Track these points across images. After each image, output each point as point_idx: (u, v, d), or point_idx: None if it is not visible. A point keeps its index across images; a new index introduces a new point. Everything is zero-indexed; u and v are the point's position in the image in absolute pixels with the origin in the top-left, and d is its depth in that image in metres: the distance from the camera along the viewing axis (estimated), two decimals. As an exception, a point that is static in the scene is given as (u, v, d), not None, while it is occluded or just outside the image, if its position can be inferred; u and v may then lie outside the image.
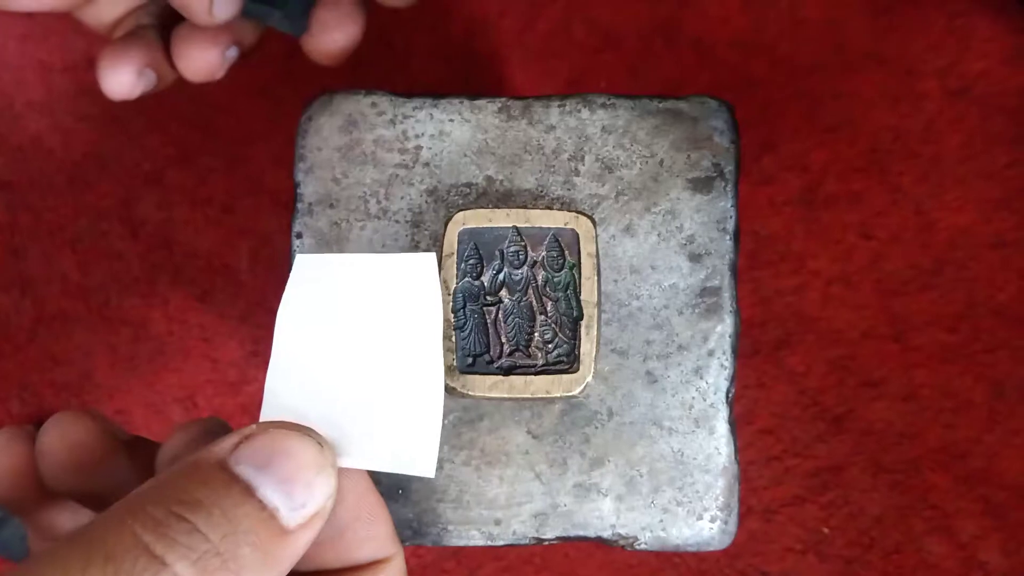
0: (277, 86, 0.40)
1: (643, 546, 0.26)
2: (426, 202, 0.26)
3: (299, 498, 0.18)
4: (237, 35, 0.28)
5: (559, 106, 0.27)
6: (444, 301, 0.22)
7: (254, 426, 0.19)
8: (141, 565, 0.16)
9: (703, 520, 0.26)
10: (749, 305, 0.37)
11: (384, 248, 0.26)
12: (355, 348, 0.21)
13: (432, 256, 0.21)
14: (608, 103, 0.27)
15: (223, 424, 0.22)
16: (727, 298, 0.26)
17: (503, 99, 0.27)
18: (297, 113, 0.27)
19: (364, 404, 0.20)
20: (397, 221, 0.26)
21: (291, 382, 0.20)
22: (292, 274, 0.21)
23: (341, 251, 0.26)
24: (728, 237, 0.26)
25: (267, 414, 0.20)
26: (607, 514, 0.26)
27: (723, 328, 0.26)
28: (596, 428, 0.26)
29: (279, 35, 0.29)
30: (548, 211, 0.25)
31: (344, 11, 0.28)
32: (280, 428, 0.19)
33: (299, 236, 0.27)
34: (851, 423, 0.37)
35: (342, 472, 0.19)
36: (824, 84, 0.38)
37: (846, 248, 0.38)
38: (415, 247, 0.26)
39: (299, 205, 0.27)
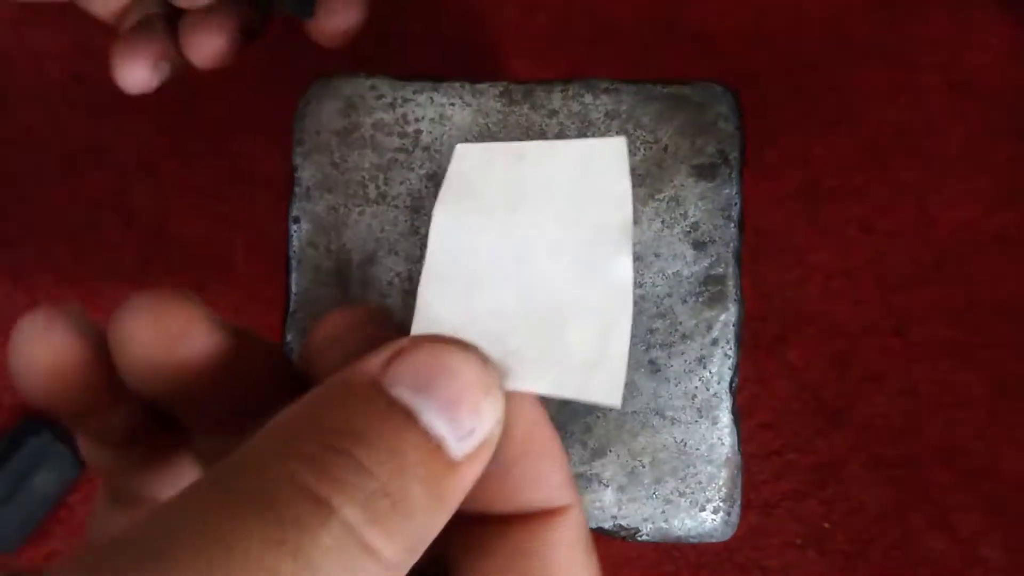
0: (271, 75, 0.39)
1: (645, 537, 0.25)
2: (426, 187, 0.26)
3: (466, 424, 0.15)
4: (244, 20, 0.28)
5: (561, 91, 0.26)
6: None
7: (405, 340, 0.16)
8: (307, 512, 0.13)
9: (706, 511, 0.25)
10: (749, 299, 0.37)
11: (383, 233, 0.26)
12: (527, 252, 0.17)
13: (623, 140, 0.17)
14: (611, 88, 0.26)
15: (387, 312, 0.19)
16: (731, 286, 0.26)
17: (505, 83, 0.26)
18: (292, 102, 0.27)
19: (536, 317, 0.17)
20: (396, 206, 0.26)
21: (448, 290, 0.18)
22: (451, 165, 0.18)
23: (339, 237, 0.26)
24: (733, 224, 0.26)
25: (419, 326, 0.17)
26: (608, 505, 0.25)
27: (727, 317, 0.26)
28: (597, 418, 0.26)
29: (278, 21, 0.29)
30: None
31: None
32: (437, 342, 0.16)
33: (296, 221, 0.26)
34: (851, 418, 0.37)
35: (509, 397, 0.16)
36: (825, 78, 0.38)
37: (847, 242, 0.37)
38: (415, 233, 0.26)
39: (297, 189, 0.26)
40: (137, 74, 0.27)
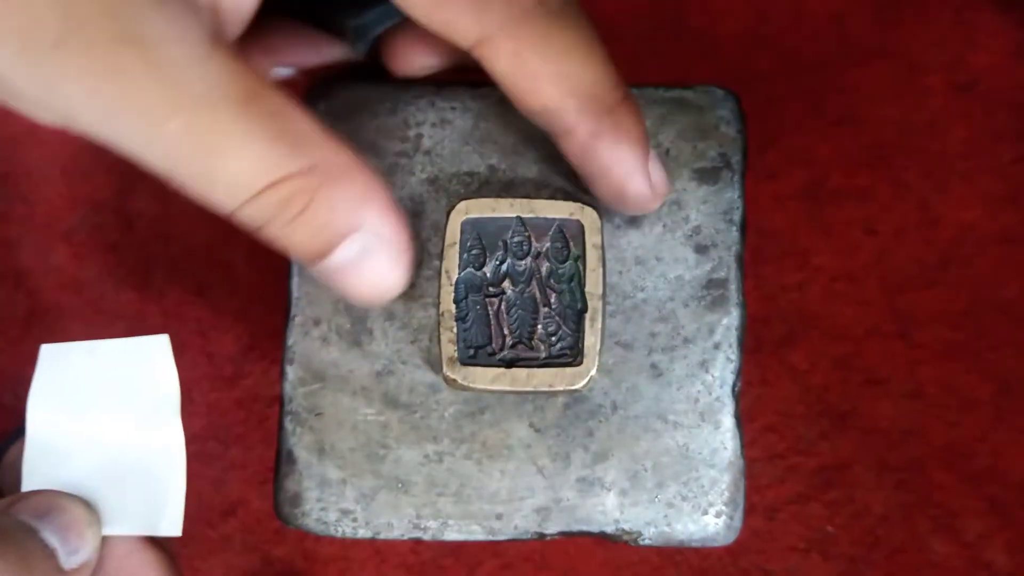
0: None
1: (647, 541, 0.25)
2: (427, 191, 0.26)
3: (73, 544, 0.21)
4: (289, 57, 0.27)
5: (563, 94, 0.26)
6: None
7: (24, 492, 0.22)
8: None
9: (708, 515, 0.25)
10: (752, 301, 0.36)
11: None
12: (103, 425, 0.23)
13: (165, 338, 0.24)
14: (613, 91, 0.26)
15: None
16: (733, 290, 0.26)
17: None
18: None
19: (113, 476, 0.23)
20: (398, 210, 0.26)
21: (48, 459, 0.23)
22: (39, 364, 0.24)
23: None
24: (735, 228, 0.26)
25: (28, 486, 0.23)
26: (611, 509, 0.25)
27: (729, 321, 0.26)
28: (600, 422, 0.26)
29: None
30: (553, 201, 0.25)
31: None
32: (50, 491, 0.22)
33: (298, 225, 0.26)
34: (855, 421, 0.37)
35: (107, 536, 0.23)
36: (829, 78, 0.38)
37: (850, 244, 0.37)
38: (416, 236, 0.26)
39: (298, 194, 0.26)
40: None
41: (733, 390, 0.26)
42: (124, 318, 0.39)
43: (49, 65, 0.19)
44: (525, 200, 0.25)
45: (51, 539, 0.21)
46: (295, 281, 0.26)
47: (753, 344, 0.37)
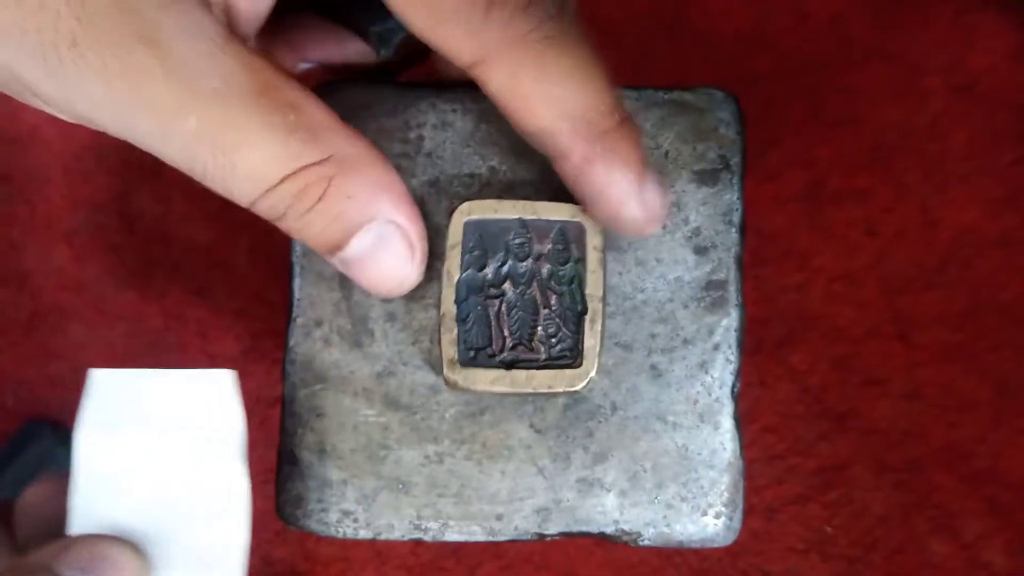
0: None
1: (647, 542, 0.25)
2: (428, 193, 0.26)
3: None
4: (315, 53, 0.28)
5: (563, 96, 0.26)
6: (241, 422, 0.23)
7: (71, 537, 0.20)
8: None
9: (708, 516, 0.25)
10: (752, 302, 0.37)
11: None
12: (159, 463, 0.21)
13: (231, 373, 0.22)
14: (613, 93, 0.26)
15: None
16: (733, 292, 0.26)
17: (507, 89, 0.26)
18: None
19: (169, 519, 0.21)
20: (399, 212, 0.26)
21: (98, 496, 0.21)
22: (89, 390, 0.22)
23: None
24: (734, 230, 0.26)
25: (76, 527, 0.21)
26: (610, 509, 0.25)
27: (728, 322, 0.26)
28: (599, 423, 0.26)
29: None
30: (555, 204, 0.25)
31: None
32: (99, 538, 0.20)
33: (299, 227, 0.26)
34: (854, 422, 0.37)
35: None
36: (829, 80, 0.38)
37: (850, 245, 0.37)
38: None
39: (299, 195, 0.26)
40: None
41: (732, 391, 0.26)
42: (125, 319, 0.39)
43: (66, 65, 0.19)
44: (527, 202, 0.25)
45: None
46: (296, 282, 0.26)
47: (753, 345, 0.37)
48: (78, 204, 0.39)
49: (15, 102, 0.41)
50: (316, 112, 0.21)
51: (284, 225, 0.22)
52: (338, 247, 0.22)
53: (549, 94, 0.21)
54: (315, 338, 0.26)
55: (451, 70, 0.25)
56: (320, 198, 0.21)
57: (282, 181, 0.20)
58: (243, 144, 0.20)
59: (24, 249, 0.39)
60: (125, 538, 0.21)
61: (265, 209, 0.21)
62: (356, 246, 0.22)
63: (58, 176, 0.39)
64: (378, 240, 0.22)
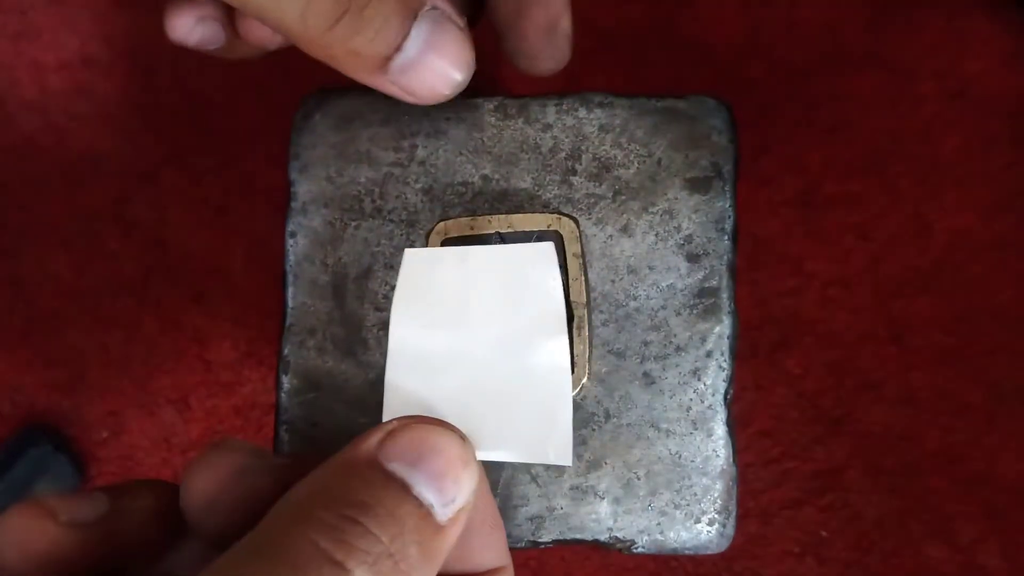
0: (271, 86, 0.39)
1: (640, 549, 0.25)
2: (421, 201, 0.26)
3: (449, 493, 0.18)
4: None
5: (556, 105, 0.26)
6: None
7: (394, 421, 0.19)
8: (327, 573, 0.16)
9: (701, 523, 0.25)
10: (747, 307, 0.37)
11: (379, 248, 0.26)
12: (475, 340, 0.20)
13: (551, 245, 0.21)
14: (605, 102, 0.26)
15: (255, 451, 0.21)
16: (725, 299, 0.26)
17: (499, 98, 0.26)
18: (292, 113, 0.27)
19: (490, 395, 0.20)
20: (392, 220, 0.26)
21: (412, 376, 0.20)
22: (402, 268, 0.21)
23: (335, 251, 0.26)
24: (726, 237, 0.26)
25: (390, 409, 0.20)
26: (604, 517, 0.25)
27: (721, 329, 0.26)
28: (593, 430, 0.26)
29: None
30: (530, 214, 0.25)
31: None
32: (422, 423, 0.19)
33: (293, 236, 0.26)
34: (849, 426, 0.37)
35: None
36: (822, 86, 0.38)
37: (844, 250, 0.37)
38: (411, 246, 0.26)
39: (293, 204, 0.26)
40: (178, 22, 0.27)
41: (725, 398, 0.26)
42: (121, 325, 0.39)
43: None
44: (503, 216, 0.25)
45: (426, 493, 0.18)
46: (290, 291, 0.26)
47: (747, 349, 0.37)
48: (75, 211, 0.39)
49: (9, 109, 0.41)
50: None
51: (330, 46, 0.21)
52: (390, 53, 0.21)
53: None
54: (309, 347, 0.26)
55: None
56: (367, 4, 0.20)
57: None
58: None
59: (21, 256, 0.40)
60: (440, 417, 0.19)
61: (314, 24, 0.20)
62: (410, 46, 0.21)
63: (54, 183, 0.40)
64: (433, 25, 0.21)
